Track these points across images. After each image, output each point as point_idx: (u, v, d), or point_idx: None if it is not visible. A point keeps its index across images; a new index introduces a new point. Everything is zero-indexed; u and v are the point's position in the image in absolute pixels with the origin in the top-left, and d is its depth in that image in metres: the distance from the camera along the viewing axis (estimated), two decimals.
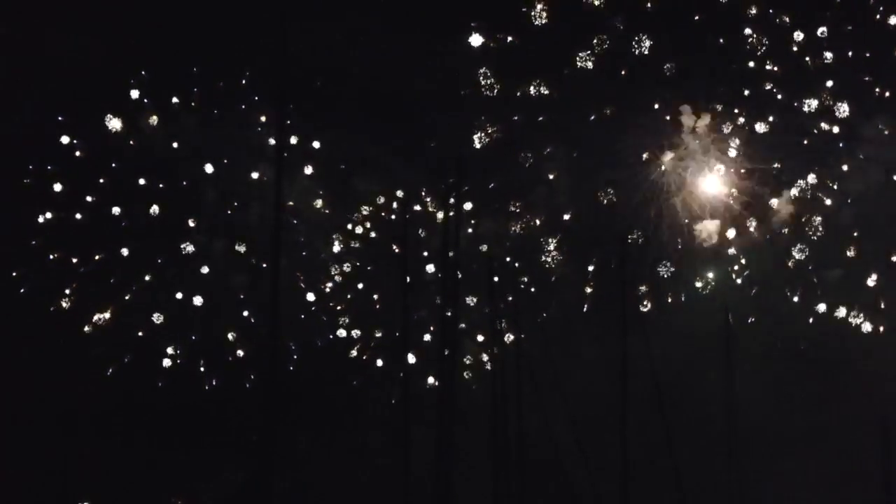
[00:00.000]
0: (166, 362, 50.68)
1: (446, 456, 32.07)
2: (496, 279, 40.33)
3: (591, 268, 51.56)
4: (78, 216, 50.82)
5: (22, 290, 49.60)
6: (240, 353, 51.21)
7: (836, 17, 51.22)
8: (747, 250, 50.84)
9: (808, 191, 50.65)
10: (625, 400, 38.27)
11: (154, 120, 51.44)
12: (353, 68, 50.15)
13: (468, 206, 48.46)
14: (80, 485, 45.15)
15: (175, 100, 51.40)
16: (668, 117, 51.88)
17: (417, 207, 50.32)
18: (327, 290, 51.45)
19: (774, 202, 50.80)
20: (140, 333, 51.06)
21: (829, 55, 51.21)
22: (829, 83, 50.96)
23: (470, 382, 47.52)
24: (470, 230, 49.63)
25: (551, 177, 51.76)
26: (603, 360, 47.81)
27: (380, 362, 49.85)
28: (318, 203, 51.51)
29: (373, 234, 51.48)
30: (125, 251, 51.60)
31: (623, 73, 51.86)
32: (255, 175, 51.79)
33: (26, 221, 50.33)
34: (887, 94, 50.75)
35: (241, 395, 50.17)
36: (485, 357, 45.16)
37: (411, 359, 45.97)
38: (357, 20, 49.48)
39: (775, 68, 51.26)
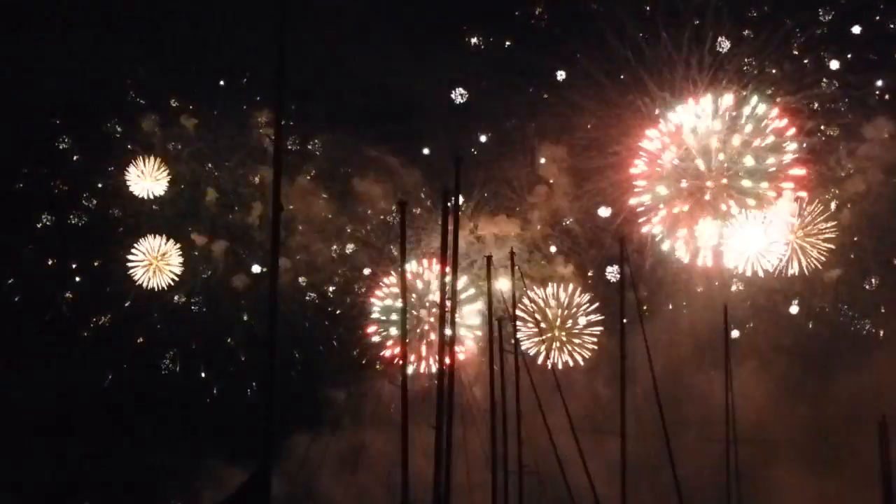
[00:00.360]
0: (166, 363, 50.75)
1: (446, 456, 31.91)
2: (494, 280, 40.26)
3: (590, 271, 51.60)
4: (76, 220, 50.89)
5: (20, 296, 49.64)
6: (241, 356, 51.22)
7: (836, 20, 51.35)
8: (748, 251, 50.79)
9: (810, 191, 50.70)
10: (623, 401, 38.31)
11: (154, 123, 51.48)
12: (353, 70, 50.22)
13: (466, 207, 48.55)
14: (79, 485, 45.20)
15: (174, 102, 51.47)
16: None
17: (417, 210, 50.16)
18: (328, 292, 51.46)
19: (775, 202, 50.81)
20: (140, 338, 51.09)
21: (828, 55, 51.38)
22: (829, 85, 51.08)
23: (469, 383, 47.42)
24: (469, 231, 49.67)
25: (552, 179, 51.83)
26: (602, 362, 47.95)
27: (378, 364, 49.79)
28: (318, 205, 51.54)
29: (372, 236, 51.45)
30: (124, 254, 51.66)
31: (622, 77, 51.92)
32: (256, 178, 51.89)
33: (25, 225, 50.29)
34: (887, 96, 50.86)
35: (242, 397, 50.15)
36: (483, 358, 44.94)
37: (410, 359, 45.91)
38: (357, 22, 49.66)
39: (774, 70, 51.30)
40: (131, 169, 51.16)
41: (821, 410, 46.41)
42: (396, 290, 45.58)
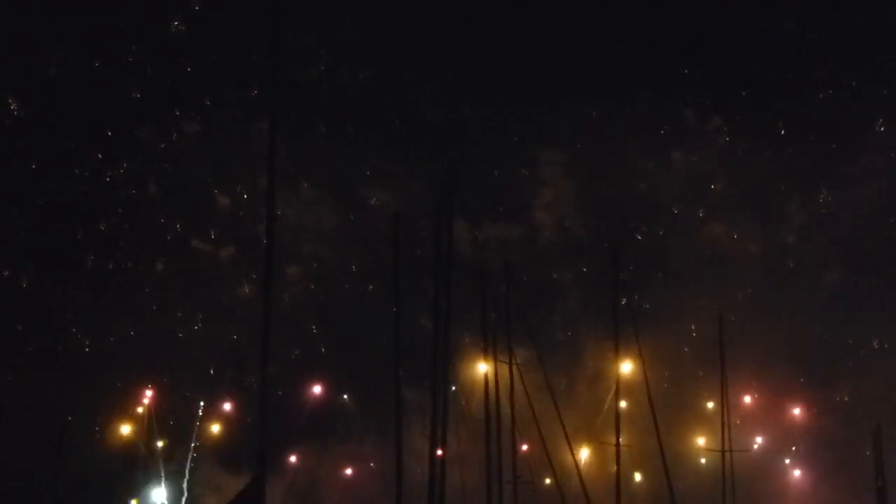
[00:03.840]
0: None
1: (439, 463, 32.13)
2: (491, 286, 40.50)
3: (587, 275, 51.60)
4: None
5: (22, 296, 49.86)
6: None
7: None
8: (744, 257, 50.81)
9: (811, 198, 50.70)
10: (617, 409, 38.57)
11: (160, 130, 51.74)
12: (352, 76, 50.50)
13: (463, 213, 48.56)
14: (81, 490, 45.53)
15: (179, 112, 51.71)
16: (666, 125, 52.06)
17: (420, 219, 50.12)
18: (324, 297, 51.69)
19: (774, 208, 50.83)
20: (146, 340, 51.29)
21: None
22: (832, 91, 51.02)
23: (465, 389, 47.59)
24: (467, 237, 49.80)
25: (549, 184, 51.91)
26: (599, 367, 48.08)
27: (374, 368, 49.90)
28: (316, 210, 51.80)
29: (370, 243, 51.52)
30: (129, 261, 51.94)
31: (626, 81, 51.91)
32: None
33: (39, 232, 50.52)
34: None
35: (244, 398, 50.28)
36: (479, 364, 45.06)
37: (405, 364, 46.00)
38: (356, 31, 49.87)
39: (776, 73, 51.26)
40: None
41: (816, 414, 46.66)
42: None
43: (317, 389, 50.08)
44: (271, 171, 22.69)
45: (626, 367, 41.19)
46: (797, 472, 47.72)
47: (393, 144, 51.68)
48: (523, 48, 51.35)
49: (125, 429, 48.60)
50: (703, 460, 44.95)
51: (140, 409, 49.33)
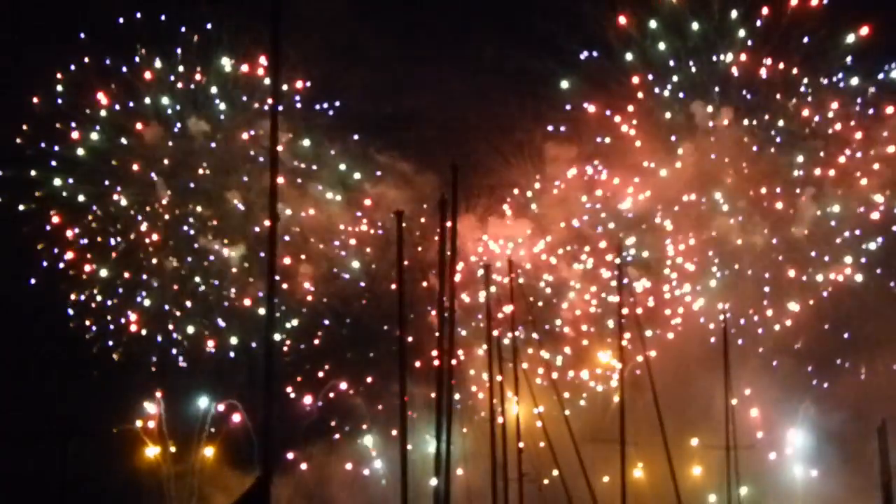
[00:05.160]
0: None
1: (445, 465, 32.31)
2: (494, 287, 40.73)
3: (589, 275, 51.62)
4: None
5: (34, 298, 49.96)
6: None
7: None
8: (748, 254, 50.78)
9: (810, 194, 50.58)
10: (622, 408, 38.72)
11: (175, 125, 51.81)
12: (354, 79, 50.52)
13: (466, 213, 48.80)
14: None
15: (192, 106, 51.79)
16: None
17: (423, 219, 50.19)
18: (326, 299, 51.84)
19: (777, 205, 50.78)
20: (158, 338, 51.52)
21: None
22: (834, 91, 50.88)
23: (468, 390, 47.76)
24: (469, 237, 49.89)
25: (553, 182, 51.91)
26: (604, 363, 48.24)
27: (377, 370, 50.12)
28: (321, 212, 51.86)
29: (373, 245, 51.65)
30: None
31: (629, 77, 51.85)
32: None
33: (40, 226, 50.63)
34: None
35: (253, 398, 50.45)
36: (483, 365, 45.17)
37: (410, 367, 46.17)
38: (358, 32, 49.94)
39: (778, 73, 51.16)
40: None
41: (820, 412, 46.60)
42: None
43: (332, 385, 50.36)
44: (273, 171, 22.86)
45: (631, 363, 41.35)
46: (802, 468, 47.66)
47: (396, 143, 51.77)
48: (526, 46, 51.24)
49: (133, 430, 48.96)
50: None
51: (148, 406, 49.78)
